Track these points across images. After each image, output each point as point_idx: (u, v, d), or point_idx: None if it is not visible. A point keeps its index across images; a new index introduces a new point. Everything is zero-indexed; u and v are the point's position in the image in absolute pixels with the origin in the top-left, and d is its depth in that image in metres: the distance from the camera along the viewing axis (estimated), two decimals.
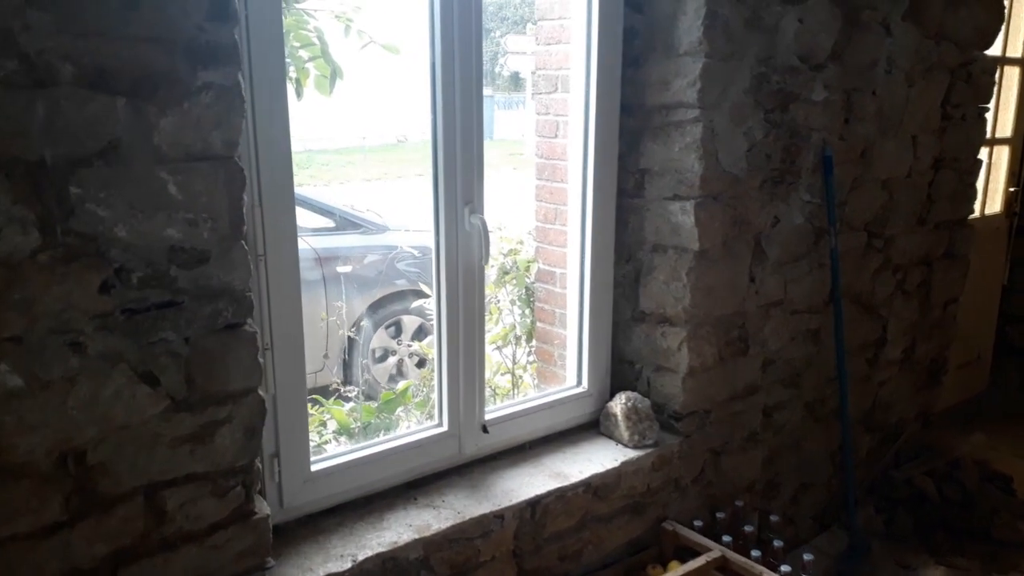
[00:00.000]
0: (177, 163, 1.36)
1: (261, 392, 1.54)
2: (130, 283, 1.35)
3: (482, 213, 1.99)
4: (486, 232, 1.98)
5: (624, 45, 2.21)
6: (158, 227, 1.36)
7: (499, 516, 1.96)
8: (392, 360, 4.63)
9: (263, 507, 1.62)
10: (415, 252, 4.20)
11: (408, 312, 4.50)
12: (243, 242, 1.46)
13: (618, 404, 2.28)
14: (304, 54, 2.04)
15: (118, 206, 1.31)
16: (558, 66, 2.31)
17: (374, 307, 4.51)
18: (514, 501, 1.99)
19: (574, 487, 2.09)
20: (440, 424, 2.10)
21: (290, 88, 1.74)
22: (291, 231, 1.69)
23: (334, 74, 2.04)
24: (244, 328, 1.49)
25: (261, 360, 1.53)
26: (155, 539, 1.46)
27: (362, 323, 4.09)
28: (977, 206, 3.49)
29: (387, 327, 4.59)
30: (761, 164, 2.30)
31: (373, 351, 4.55)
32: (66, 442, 1.33)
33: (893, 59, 2.61)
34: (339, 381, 3.61)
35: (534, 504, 2.02)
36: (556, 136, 2.38)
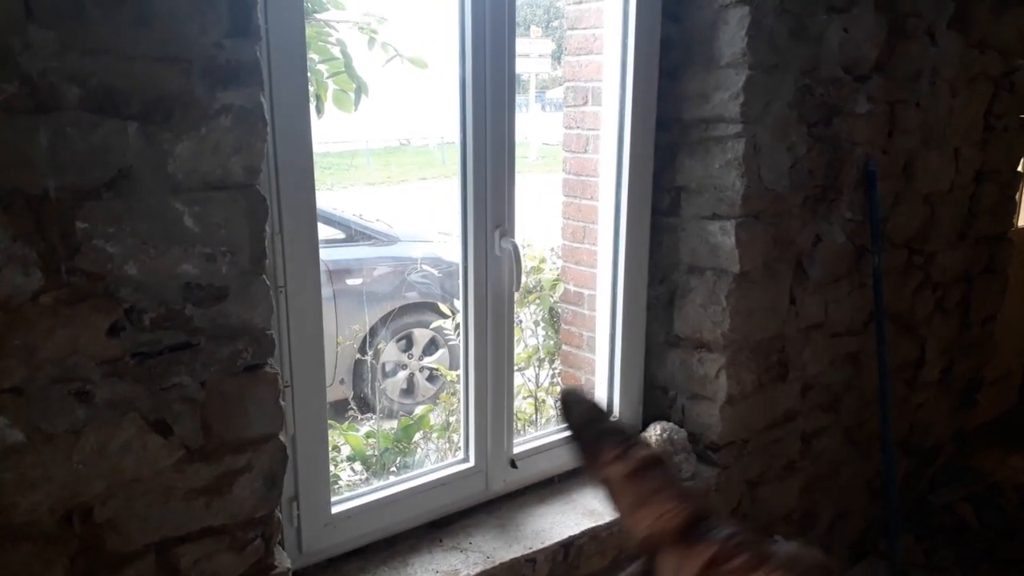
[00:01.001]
0: (193, 192, 1.24)
1: (282, 436, 1.42)
2: (142, 324, 1.23)
3: (513, 236, 1.88)
4: (518, 257, 1.86)
5: (660, 58, 2.09)
6: (172, 263, 1.24)
7: (531, 560, 1.84)
8: (403, 375, 4.51)
9: (283, 560, 1.50)
10: (428, 267, 4.08)
11: (420, 326, 4.38)
12: (264, 276, 1.34)
13: (653, 435, 2.15)
14: (324, 69, 1.92)
15: (129, 241, 1.19)
16: (589, 78, 2.19)
17: (384, 320, 4.39)
18: (546, 543, 1.87)
19: (608, 526, 1.97)
20: (466, 459, 1.98)
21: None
22: (314, 260, 1.57)
23: (359, 90, 1.92)
24: (265, 369, 1.37)
25: (283, 402, 1.41)
26: None
27: (378, 343, 3.97)
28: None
29: (398, 341, 4.48)
30: (803, 181, 2.18)
31: (384, 365, 4.43)
32: (71, 499, 1.22)
33: (937, 69, 2.49)
34: (351, 398, 3.48)
35: (567, 545, 1.90)
36: (586, 151, 2.26)
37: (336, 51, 1.90)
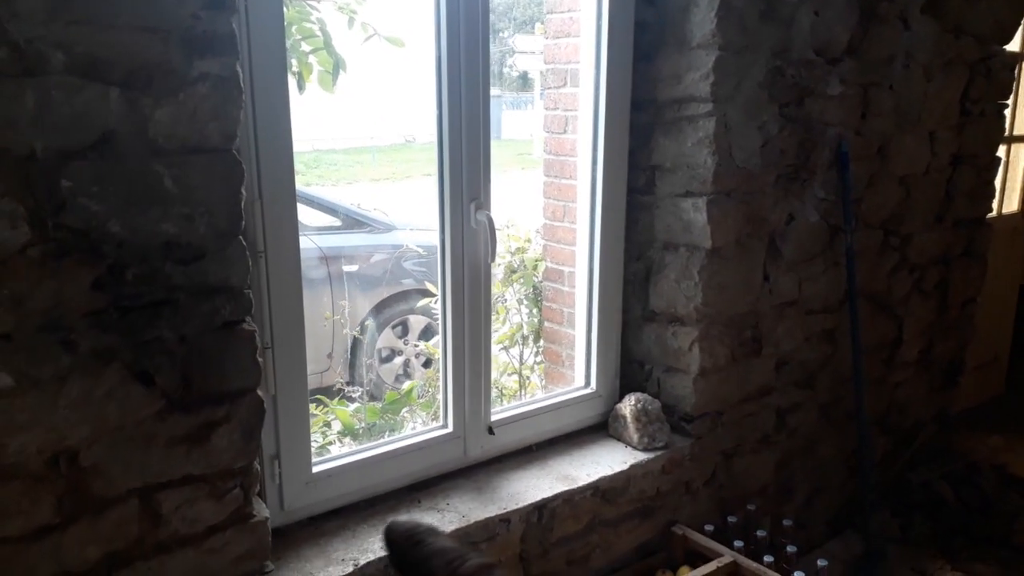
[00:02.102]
0: (173, 156, 1.32)
1: (260, 392, 1.50)
2: (124, 279, 1.30)
3: (489, 210, 1.95)
4: (493, 229, 1.93)
5: (635, 38, 2.16)
6: (153, 222, 1.32)
7: (505, 520, 1.91)
8: (399, 360, 4.59)
9: (262, 510, 1.58)
10: (421, 251, 4.15)
11: (415, 312, 4.46)
12: (241, 238, 1.41)
13: (627, 406, 2.22)
14: (306, 47, 1.99)
15: (112, 200, 1.27)
16: (567, 60, 2.26)
17: (380, 307, 4.47)
18: (521, 504, 1.94)
19: (582, 490, 2.04)
20: (445, 425, 2.05)
21: (292, 82, 1.70)
22: (292, 227, 1.64)
23: (337, 67, 1.99)
24: (242, 326, 1.45)
25: (260, 359, 1.49)
26: (150, 542, 1.42)
27: (367, 323, 4.05)
28: (994, 205, 3.42)
29: (394, 327, 4.56)
30: (775, 160, 2.24)
31: (379, 351, 4.51)
32: (58, 442, 1.29)
33: (911, 53, 2.55)
34: (344, 381, 3.57)
35: (541, 508, 1.97)
36: (565, 132, 2.33)
37: (316, 29, 1.97)
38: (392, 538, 0.47)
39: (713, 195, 2.11)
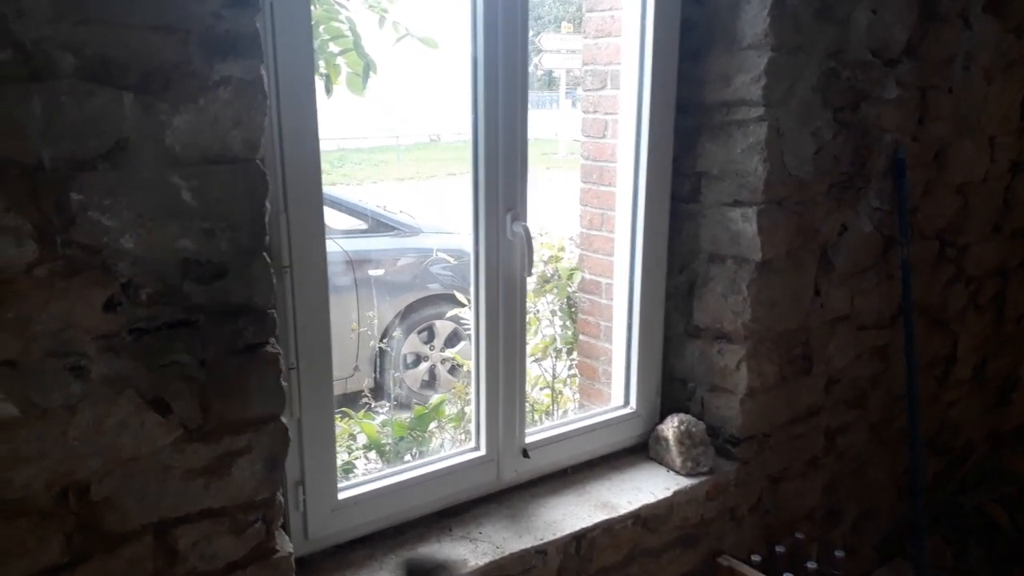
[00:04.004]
0: (192, 166, 1.22)
1: (284, 418, 1.40)
2: (139, 300, 1.21)
3: (525, 220, 1.83)
4: (530, 241, 1.82)
5: (680, 38, 2.03)
6: (170, 238, 1.22)
7: (542, 551, 1.80)
8: (424, 366, 4.49)
9: (285, 544, 1.47)
10: (451, 259, 4.05)
11: (441, 317, 4.35)
12: (265, 254, 1.31)
13: (670, 427, 2.10)
14: (335, 48, 1.89)
15: (125, 214, 1.17)
16: (607, 61, 2.14)
17: (406, 312, 4.37)
18: (558, 535, 1.82)
19: (623, 519, 1.92)
20: (477, 448, 1.94)
21: (319, 84, 1.60)
22: (319, 240, 1.54)
23: (367, 68, 1.89)
24: (266, 349, 1.34)
25: (285, 383, 1.39)
26: None
27: (394, 332, 3.95)
28: None
29: (419, 332, 4.45)
30: (829, 167, 2.11)
31: (405, 357, 4.41)
32: (67, 476, 1.20)
33: (972, 54, 2.40)
34: (369, 389, 3.47)
35: (579, 538, 1.85)
36: (604, 136, 2.21)
37: (345, 29, 1.87)
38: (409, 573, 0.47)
39: (764, 204, 1.98)
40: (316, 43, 1.85)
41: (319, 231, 1.53)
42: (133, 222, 1.18)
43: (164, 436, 1.27)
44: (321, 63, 1.88)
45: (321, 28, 1.85)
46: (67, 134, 1.11)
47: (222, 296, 1.28)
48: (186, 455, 1.30)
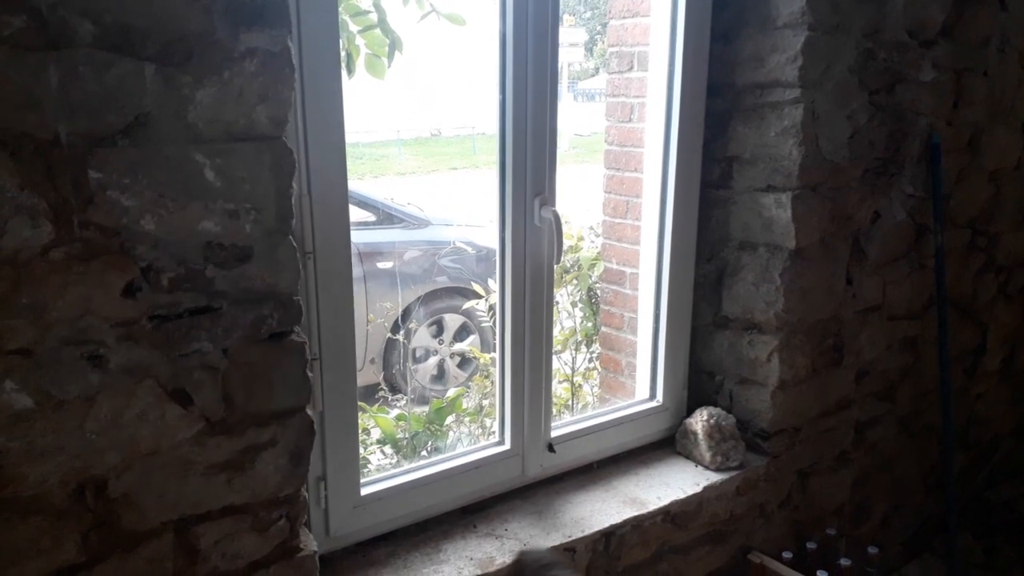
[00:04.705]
0: (215, 143, 1.15)
1: (309, 411, 1.33)
2: (159, 285, 1.14)
3: (554, 205, 1.77)
4: (559, 227, 1.75)
5: (712, 19, 1.96)
6: (192, 219, 1.15)
7: (570, 549, 1.73)
8: (433, 360, 4.42)
9: (310, 542, 1.41)
10: (469, 248, 3.97)
11: (450, 311, 4.28)
12: (291, 237, 1.24)
13: (699, 421, 2.03)
14: (354, 26, 1.81)
15: (146, 194, 1.10)
16: (635, 42, 2.07)
17: (415, 303, 4.30)
18: (586, 532, 1.76)
19: (652, 515, 1.86)
20: (502, 442, 1.87)
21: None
22: (344, 225, 1.47)
23: (392, 47, 1.81)
24: (292, 338, 1.28)
25: (310, 374, 1.32)
26: None
27: (410, 324, 3.87)
28: None
29: (429, 326, 4.38)
30: (864, 152, 2.04)
31: (414, 351, 4.34)
32: (84, 471, 1.13)
33: (1007, 36, 2.33)
34: (382, 380, 3.40)
35: (608, 535, 1.79)
36: (630, 120, 2.14)
37: (368, 3, 1.79)
38: (522, 568, 0.50)
39: (798, 190, 1.91)
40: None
41: (343, 216, 1.47)
42: (154, 202, 1.11)
43: (185, 429, 1.20)
44: (342, 43, 1.80)
45: (342, 5, 1.77)
46: (85, 107, 1.04)
47: (246, 281, 1.21)
48: (208, 449, 1.23)
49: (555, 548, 1.70)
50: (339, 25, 1.41)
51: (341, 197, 1.46)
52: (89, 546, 1.16)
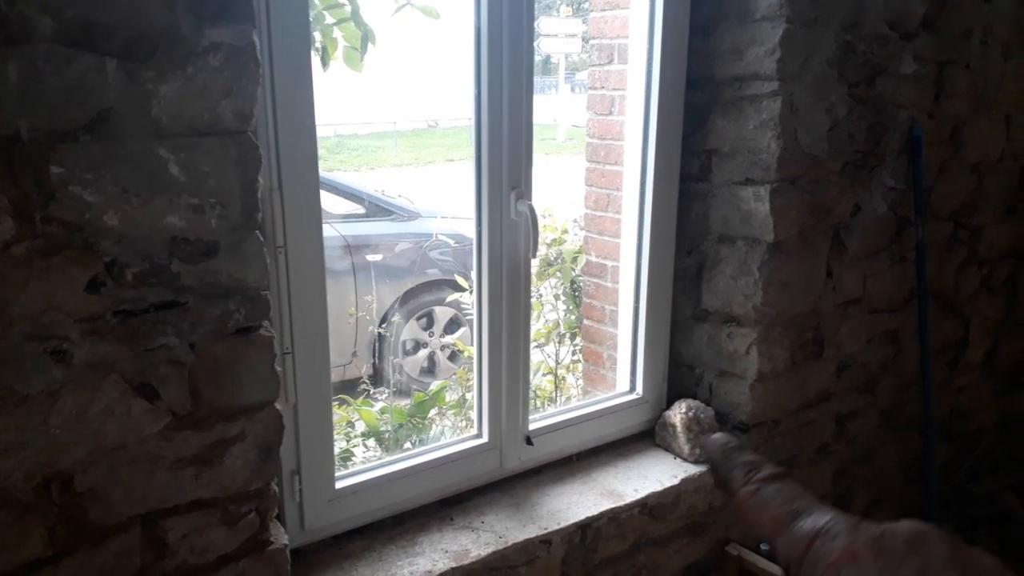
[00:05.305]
0: (180, 138, 1.14)
1: (279, 405, 1.33)
2: (124, 280, 1.14)
3: (530, 199, 1.76)
4: (535, 221, 1.75)
5: (690, 12, 1.95)
6: (157, 214, 1.15)
7: (546, 541, 1.74)
8: (423, 353, 4.43)
9: (280, 536, 1.41)
10: (452, 241, 3.97)
11: (441, 303, 4.29)
12: (258, 232, 1.24)
13: (677, 414, 2.04)
14: (330, 18, 1.81)
15: (109, 189, 1.10)
16: (615, 34, 2.07)
17: (405, 297, 4.31)
18: (562, 524, 1.77)
19: (629, 507, 1.86)
20: (479, 435, 1.88)
21: (315, 58, 1.52)
22: (315, 218, 1.47)
23: (365, 39, 1.81)
24: (259, 332, 1.28)
25: (279, 368, 1.32)
26: (155, 575, 1.26)
27: (393, 318, 3.88)
28: None
29: (418, 318, 4.39)
30: (843, 145, 2.04)
31: (404, 343, 4.35)
32: (49, 466, 1.14)
33: (990, 28, 2.32)
34: (368, 376, 3.40)
35: (584, 527, 1.80)
36: (611, 113, 2.14)
37: None
38: (708, 456, 0.55)
39: (777, 183, 1.92)
40: (312, 14, 1.77)
41: (315, 209, 1.46)
42: (117, 197, 1.11)
43: (152, 423, 1.21)
44: (317, 36, 1.80)
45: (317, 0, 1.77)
46: (46, 103, 1.04)
47: (212, 276, 1.21)
48: (175, 443, 1.23)
49: (531, 540, 1.71)
50: (314, 17, 1.41)
51: (313, 191, 1.46)
52: (56, 540, 1.16)
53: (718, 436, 0.65)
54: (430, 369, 4.45)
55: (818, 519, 0.54)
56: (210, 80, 1.15)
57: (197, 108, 1.15)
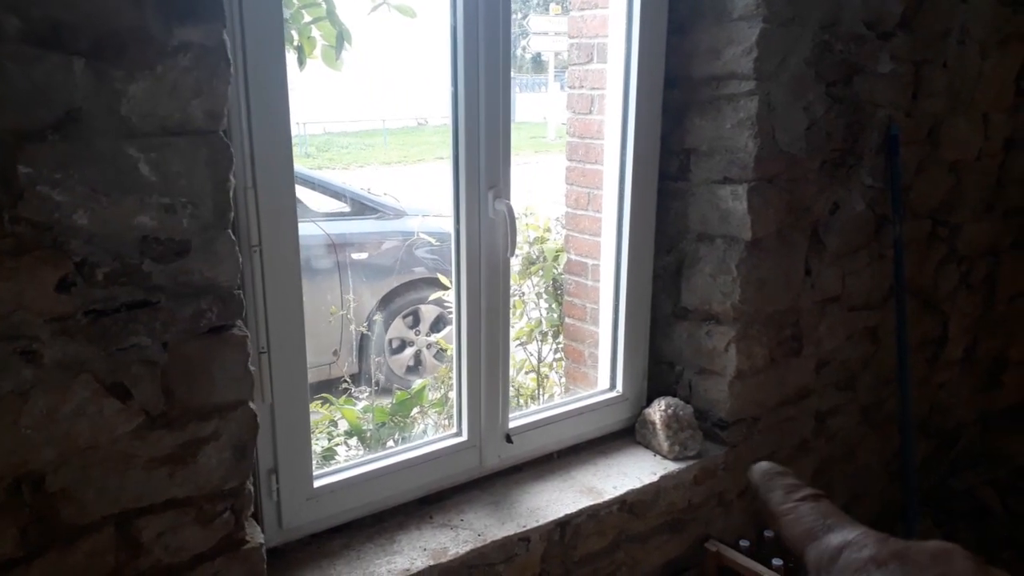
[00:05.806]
0: (150, 138, 1.14)
1: (253, 405, 1.33)
2: (94, 280, 1.14)
3: (508, 198, 1.77)
4: (513, 219, 1.75)
5: (668, 11, 1.96)
6: (127, 214, 1.14)
7: (525, 539, 1.74)
8: (409, 351, 4.42)
9: (256, 534, 1.41)
10: (433, 240, 3.97)
11: (426, 301, 4.29)
12: (230, 231, 1.24)
13: (657, 411, 2.05)
14: (308, 16, 1.81)
15: (78, 189, 1.10)
16: (594, 34, 2.07)
17: (390, 296, 4.30)
18: (541, 521, 1.77)
19: (608, 504, 1.87)
20: (459, 433, 1.88)
21: (292, 57, 1.52)
22: (290, 217, 1.47)
23: (340, 38, 1.80)
24: (232, 331, 1.28)
25: (254, 367, 1.32)
26: (129, 575, 1.26)
27: (375, 316, 3.87)
28: None
29: (404, 317, 4.38)
30: (821, 144, 2.05)
31: (390, 342, 4.34)
32: (20, 466, 1.13)
33: (967, 28, 2.34)
34: (351, 375, 3.40)
35: (564, 524, 1.80)
36: (591, 112, 2.14)
37: None
38: (752, 480, 0.58)
39: (754, 182, 1.93)
40: (288, 13, 1.77)
41: (290, 208, 1.46)
42: (87, 197, 1.11)
43: (124, 423, 1.20)
44: (294, 35, 1.80)
45: None
46: (13, 103, 1.03)
47: (184, 275, 1.21)
48: (148, 443, 1.23)
49: (510, 538, 1.72)
50: (291, 16, 1.41)
51: (288, 189, 1.46)
52: (28, 540, 1.16)
53: (763, 463, 0.66)
54: (416, 368, 4.44)
55: (848, 533, 0.57)
56: (180, 80, 1.15)
57: (167, 108, 1.15)
